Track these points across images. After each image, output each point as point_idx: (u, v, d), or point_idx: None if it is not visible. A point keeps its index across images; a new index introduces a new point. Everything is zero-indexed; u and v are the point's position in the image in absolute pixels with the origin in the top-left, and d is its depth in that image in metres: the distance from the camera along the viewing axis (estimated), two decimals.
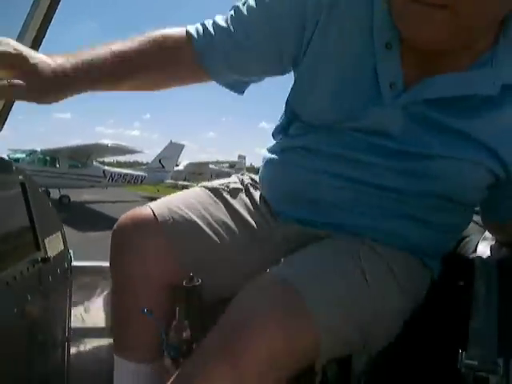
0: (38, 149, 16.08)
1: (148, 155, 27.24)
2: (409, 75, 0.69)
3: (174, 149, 21.93)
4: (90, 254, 1.36)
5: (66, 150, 15.90)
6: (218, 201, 0.91)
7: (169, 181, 22.07)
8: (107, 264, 0.88)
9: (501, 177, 0.72)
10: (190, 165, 27.08)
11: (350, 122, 0.74)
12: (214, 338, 0.63)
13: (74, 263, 1.16)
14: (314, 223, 0.82)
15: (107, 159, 22.89)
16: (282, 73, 0.83)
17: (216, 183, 0.96)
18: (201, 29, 0.81)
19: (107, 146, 15.63)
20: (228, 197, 0.92)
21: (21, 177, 0.97)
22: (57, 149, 15.99)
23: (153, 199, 0.96)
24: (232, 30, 0.78)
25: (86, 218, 11.52)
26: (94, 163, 17.26)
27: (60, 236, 1.11)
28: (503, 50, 0.65)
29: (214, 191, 0.93)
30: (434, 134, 0.70)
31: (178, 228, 0.85)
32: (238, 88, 0.89)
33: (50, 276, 1.00)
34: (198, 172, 26.16)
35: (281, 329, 0.60)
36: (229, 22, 0.79)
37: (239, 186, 0.95)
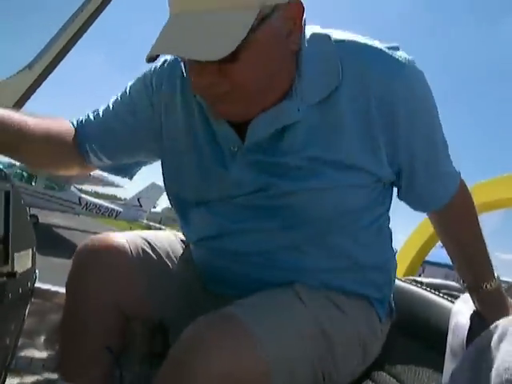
0: (18, 163, 15.77)
1: (128, 191, 27.01)
2: (242, 138, 0.75)
3: (155, 190, 21.84)
4: (49, 280, 1.30)
5: None
6: (186, 250, 0.91)
7: (144, 221, 21.76)
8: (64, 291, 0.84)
9: (382, 177, 0.77)
10: (168, 209, 26.86)
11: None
12: (165, 370, 0.63)
13: (37, 284, 1.11)
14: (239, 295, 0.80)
15: (86, 187, 22.62)
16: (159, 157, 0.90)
17: None
18: (82, 119, 0.88)
19: (89, 174, 15.45)
20: None
21: (7, 185, 0.94)
22: None
23: None
24: (105, 119, 0.86)
25: (51, 242, 11.10)
26: (72, 188, 16.98)
27: (30, 253, 1.06)
28: (301, 82, 0.72)
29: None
30: (275, 173, 0.75)
31: (140, 261, 0.85)
32: (125, 172, 0.97)
33: (10, 293, 0.94)
34: (173, 218, 25.83)
35: (229, 360, 0.60)
36: (104, 112, 0.87)
37: None
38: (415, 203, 0.89)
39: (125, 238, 0.86)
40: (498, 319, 0.83)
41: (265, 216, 0.76)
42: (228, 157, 0.76)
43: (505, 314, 0.85)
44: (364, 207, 0.78)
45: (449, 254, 0.92)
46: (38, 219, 14.89)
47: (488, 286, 0.87)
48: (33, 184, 15.36)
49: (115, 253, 0.84)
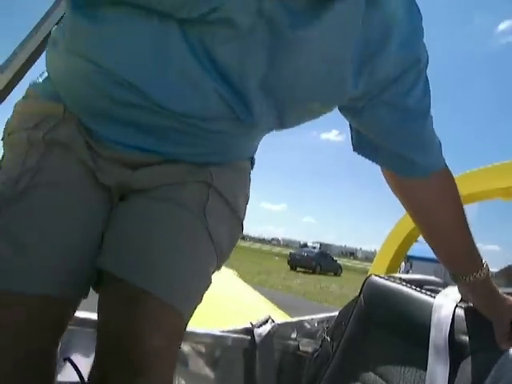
0: None
1: None
2: None
3: None
4: None
5: None
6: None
7: None
8: None
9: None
10: None
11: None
12: None
13: None
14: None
15: None
16: None
17: None
18: None
19: None
20: None
21: None
22: None
23: None
24: None
25: None
26: None
27: None
28: None
29: None
30: None
31: None
32: None
33: None
34: None
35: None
36: None
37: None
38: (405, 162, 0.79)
39: None
40: (492, 311, 0.83)
41: None
42: None
43: (498, 304, 0.83)
44: None
45: (432, 241, 0.87)
46: None
47: (477, 274, 0.82)
48: None
49: None
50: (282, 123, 0.72)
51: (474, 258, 0.85)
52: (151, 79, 0.62)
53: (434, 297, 0.96)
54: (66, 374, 0.94)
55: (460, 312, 0.89)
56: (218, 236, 0.72)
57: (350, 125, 0.82)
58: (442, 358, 0.84)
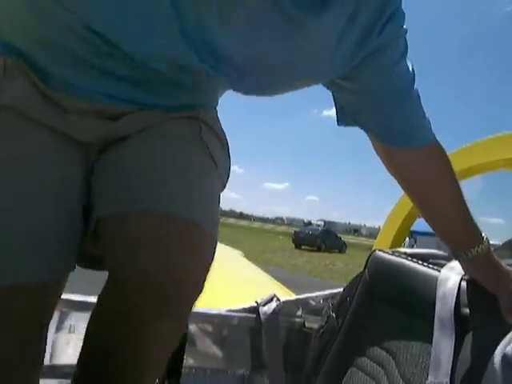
0: None
1: None
2: None
3: None
4: None
5: None
6: None
7: None
8: None
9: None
10: None
11: None
12: None
13: None
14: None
15: None
16: None
17: None
18: None
19: None
20: None
21: None
22: None
23: None
24: None
25: None
26: None
27: None
28: None
29: None
30: None
31: None
32: None
33: None
34: None
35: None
36: None
37: None
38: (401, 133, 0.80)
39: None
40: (496, 285, 0.82)
41: None
42: None
43: (502, 278, 0.83)
44: None
45: (429, 218, 0.87)
46: None
47: (478, 249, 0.82)
48: None
49: None
50: (257, 88, 0.69)
51: (472, 232, 0.84)
52: (124, 32, 0.57)
53: (439, 270, 0.95)
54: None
55: (465, 285, 0.89)
56: (220, 163, 0.72)
57: (333, 99, 0.82)
58: (448, 332, 0.84)
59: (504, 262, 0.85)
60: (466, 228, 0.84)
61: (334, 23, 0.62)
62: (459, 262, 0.89)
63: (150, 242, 0.58)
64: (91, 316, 0.65)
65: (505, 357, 0.39)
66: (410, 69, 0.75)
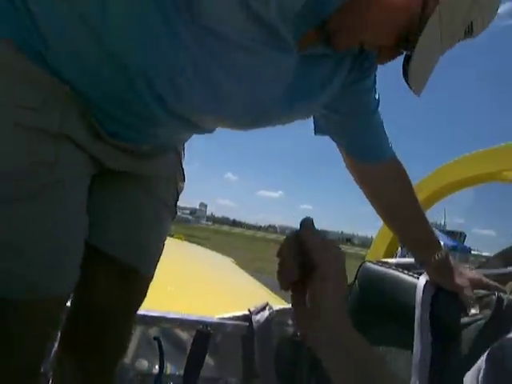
0: None
1: None
2: None
3: None
4: None
5: None
6: None
7: None
8: None
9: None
10: None
11: None
12: None
13: None
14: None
15: None
16: None
17: None
18: None
19: None
20: None
21: None
22: None
23: None
24: None
25: None
26: None
27: None
28: None
29: None
30: None
31: None
32: None
33: None
34: None
35: None
36: None
37: None
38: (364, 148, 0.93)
39: None
40: (455, 285, 0.88)
41: None
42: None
43: (458, 277, 0.89)
44: None
45: (392, 228, 1.04)
46: None
47: (439, 255, 0.92)
48: None
49: None
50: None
51: (433, 241, 0.96)
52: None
53: (418, 278, 0.97)
54: None
55: (439, 289, 0.92)
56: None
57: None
58: (425, 338, 0.85)
59: (496, 272, 0.88)
60: (428, 236, 0.96)
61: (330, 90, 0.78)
62: (424, 268, 0.96)
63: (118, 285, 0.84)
64: None
65: (490, 355, 0.39)
66: (377, 95, 0.87)
